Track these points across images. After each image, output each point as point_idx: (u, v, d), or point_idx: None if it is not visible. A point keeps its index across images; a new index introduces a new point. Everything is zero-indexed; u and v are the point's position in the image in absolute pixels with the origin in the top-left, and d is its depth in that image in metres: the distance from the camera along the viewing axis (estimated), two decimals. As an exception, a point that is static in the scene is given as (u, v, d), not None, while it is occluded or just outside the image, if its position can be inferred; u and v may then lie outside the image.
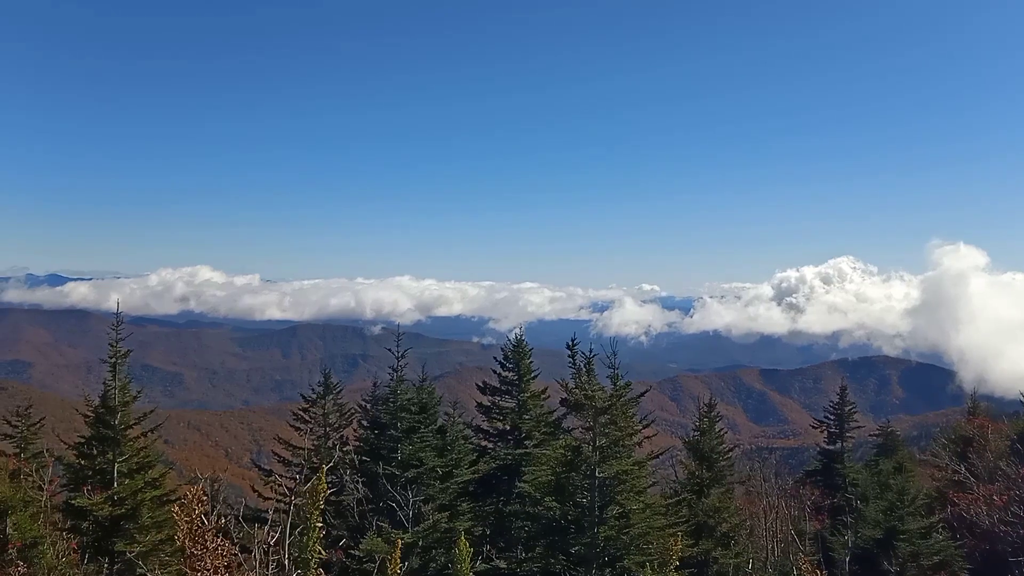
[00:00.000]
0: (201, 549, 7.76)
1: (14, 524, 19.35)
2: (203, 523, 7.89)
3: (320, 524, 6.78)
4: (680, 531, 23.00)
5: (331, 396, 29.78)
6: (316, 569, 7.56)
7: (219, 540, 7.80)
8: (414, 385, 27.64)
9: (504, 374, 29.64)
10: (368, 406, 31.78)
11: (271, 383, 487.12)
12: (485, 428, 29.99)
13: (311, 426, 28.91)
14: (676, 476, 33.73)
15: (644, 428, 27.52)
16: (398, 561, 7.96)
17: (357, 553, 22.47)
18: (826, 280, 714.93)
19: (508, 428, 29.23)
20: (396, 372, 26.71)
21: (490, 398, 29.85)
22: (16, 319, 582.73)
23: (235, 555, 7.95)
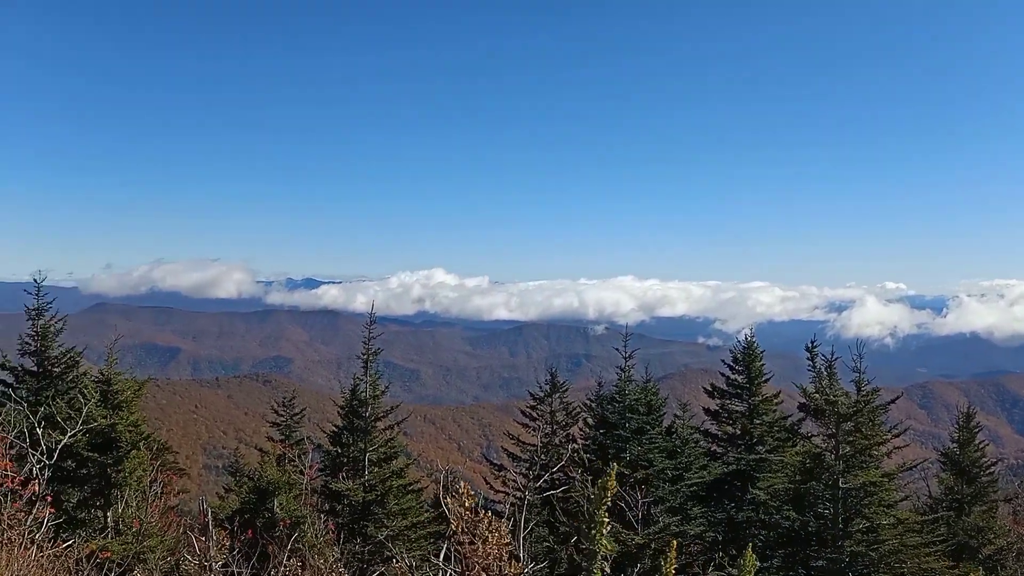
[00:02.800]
0: (474, 539, 8.14)
1: (280, 504, 21.58)
2: (476, 514, 8.26)
3: (607, 519, 6.87)
4: (937, 551, 20.98)
5: (558, 394, 30.28)
6: (601, 562, 7.66)
7: (494, 530, 8.14)
8: (639, 386, 27.47)
9: (733, 377, 28.70)
10: (593, 405, 32.00)
11: (499, 380, 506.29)
12: (714, 432, 29.18)
13: (539, 423, 29.55)
14: (930, 491, 30.85)
15: (893, 437, 25.40)
16: (673, 561, 7.86)
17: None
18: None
19: (738, 432, 28.25)
20: (624, 372, 26.68)
21: (718, 401, 29.07)
22: (278, 319, 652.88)
23: (506, 545, 8.25)
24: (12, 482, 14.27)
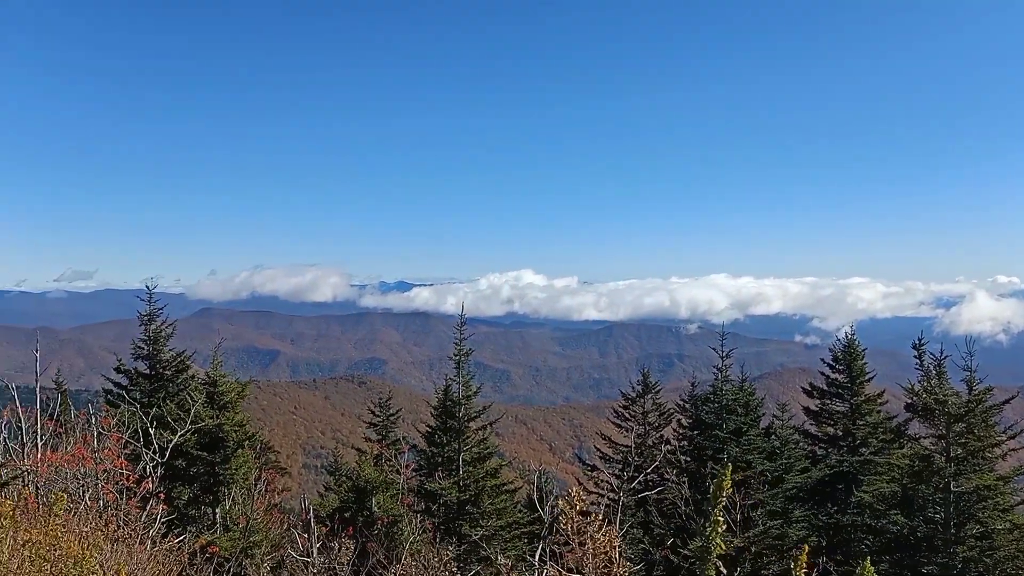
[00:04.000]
0: (584, 542, 8.07)
1: (378, 503, 22.02)
2: (585, 517, 8.18)
3: (721, 519, 6.69)
4: (1061, 560, 19.65)
5: (650, 395, 29.86)
6: (716, 561, 7.47)
7: (603, 533, 8.05)
8: (735, 385, 26.81)
9: (833, 376, 27.76)
10: (688, 406, 31.44)
11: (590, 381, 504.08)
12: (814, 433, 28.21)
13: (631, 424, 29.21)
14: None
15: (1009, 439, 23.98)
16: (803, 565, 7.61)
17: (685, 552, 22.26)
18: None
19: (840, 433, 27.25)
20: (720, 372, 26.10)
21: (818, 401, 28.14)
22: (372, 321, 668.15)
23: (614, 548, 8.13)
24: (128, 480, 15.04)
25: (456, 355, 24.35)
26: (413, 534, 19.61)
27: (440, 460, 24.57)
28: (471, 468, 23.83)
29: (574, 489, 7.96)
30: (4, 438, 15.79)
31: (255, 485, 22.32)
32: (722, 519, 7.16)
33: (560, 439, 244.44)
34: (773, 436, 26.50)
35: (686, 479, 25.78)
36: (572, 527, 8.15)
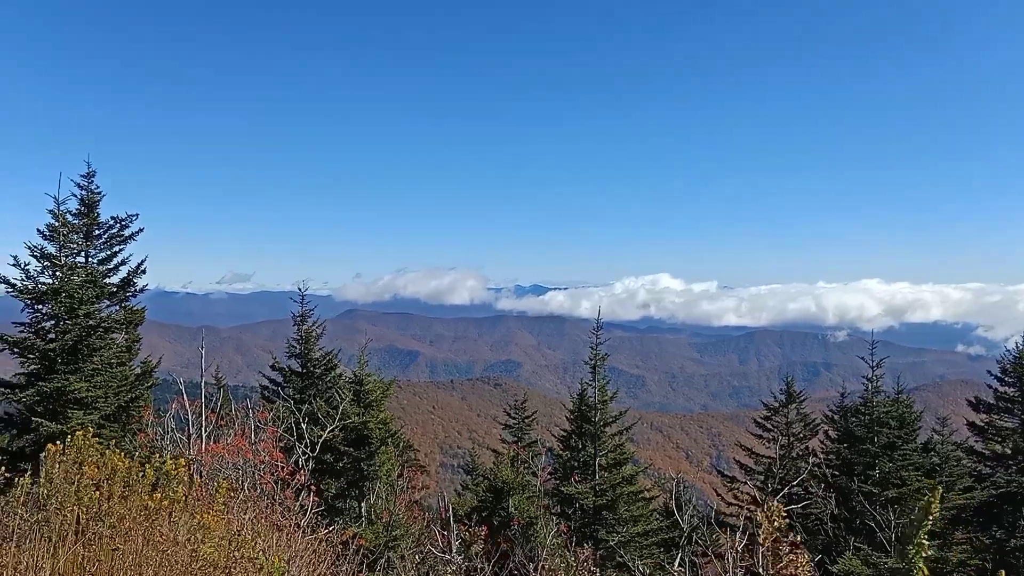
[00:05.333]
0: (777, 559, 7.83)
1: (515, 504, 22.21)
2: (781, 532, 7.92)
3: (926, 542, 6.31)
4: None
5: (794, 404, 28.68)
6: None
7: (797, 552, 7.77)
8: (889, 397, 25.32)
9: (1002, 389, 25.71)
10: (836, 417, 29.96)
11: (728, 388, 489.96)
12: (979, 450, 26.19)
13: (774, 434, 28.16)
14: None
15: None
16: None
17: (834, 571, 21.21)
18: None
19: (1009, 452, 25.16)
20: (871, 382, 24.72)
21: (984, 416, 26.13)
22: (508, 324, 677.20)
23: (810, 569, 7.79)
24: (282, 471, 15.90)
25: (592, 359, 24.26)
26: (549, 536, 19.67)
27: (576, 464, 24.54)
28: (607, 473, 23.67)
29: (773, 503, 7.67)
30: (172, 428, 17.07)
31: (397, 481, 23.07)
32: (927, 542, 6.70)
33: (697, 448, 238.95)
34: (932, 452, 24.84)
35: (833, 494, 24.58)
36: (768, 543, 7.84)
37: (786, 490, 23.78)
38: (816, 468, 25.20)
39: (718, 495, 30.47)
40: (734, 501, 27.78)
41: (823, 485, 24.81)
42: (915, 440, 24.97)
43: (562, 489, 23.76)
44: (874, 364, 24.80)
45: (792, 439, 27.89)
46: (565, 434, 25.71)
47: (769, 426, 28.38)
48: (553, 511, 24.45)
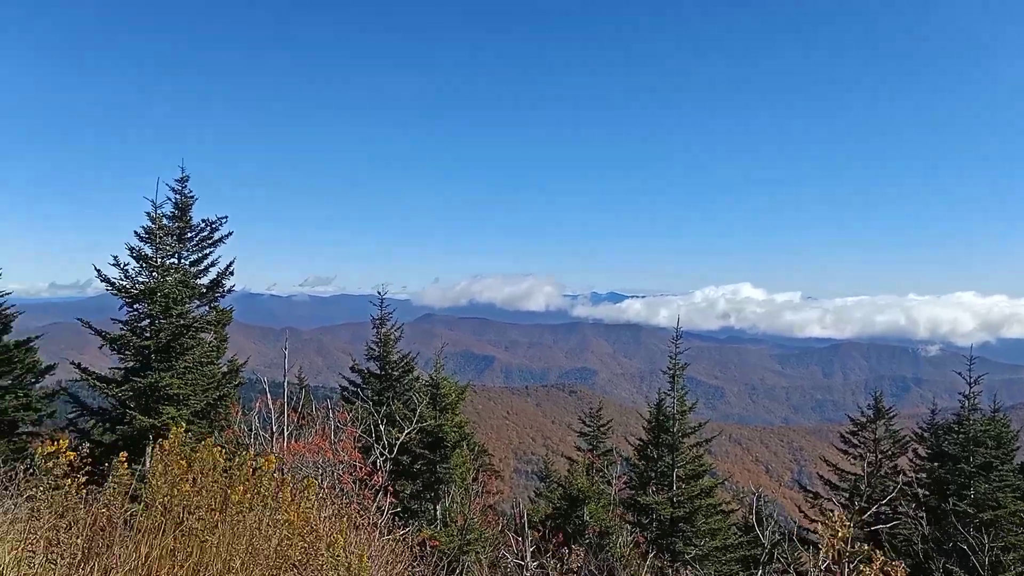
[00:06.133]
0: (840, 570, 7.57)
1: (590, 513, 22.04)
2: (844, 547, 7.65)
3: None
4: None
5: (883, 420, 27.61)
6: None
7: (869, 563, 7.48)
8: (985, 415, 24.14)
9: (1112, 410, 24.14)
10: (927, 435, 28.73)
11: (811, 402, 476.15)
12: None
13: (861, 451, 27.19)
14: None
15: None
16: None
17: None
18: None
19: (1119, 476, 23.64)
20: (967, 399, 23.63)
21: (1094, 438, 24.59)
22: (583, 332, 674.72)
23: None
24: (361, 472, 16.16)
25: (671, 369, 23.88)
26: (625, 546, 19.45)
27: (652, 474, 24.18)
28: (685, 485, 23.23)
29: (836, 512, 7.41)
30: (256, 426, 17.56)
31: (472, 485, 23.18)
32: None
33: (778, 462, 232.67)
34: (1033, 474, 23.57)
35: (923, 514, 23.56)
36: (832, 554, 7.57)
37: (874, 509, 22.90)
38: (906, 487, 24.19)
39: (800, 511, 29.57)
40: (817, 518, 26.89)
41: (913, 505, 23.80)
42: (1012, 461, 23.74)
43: (638, 499, 23.44)
44: (971, 380, 23.69)
45: (880, 456, 26.86)
46: (641, 444, 25.36)
47: (856, 442, 27.41)
48: (628, 521, 24.16)
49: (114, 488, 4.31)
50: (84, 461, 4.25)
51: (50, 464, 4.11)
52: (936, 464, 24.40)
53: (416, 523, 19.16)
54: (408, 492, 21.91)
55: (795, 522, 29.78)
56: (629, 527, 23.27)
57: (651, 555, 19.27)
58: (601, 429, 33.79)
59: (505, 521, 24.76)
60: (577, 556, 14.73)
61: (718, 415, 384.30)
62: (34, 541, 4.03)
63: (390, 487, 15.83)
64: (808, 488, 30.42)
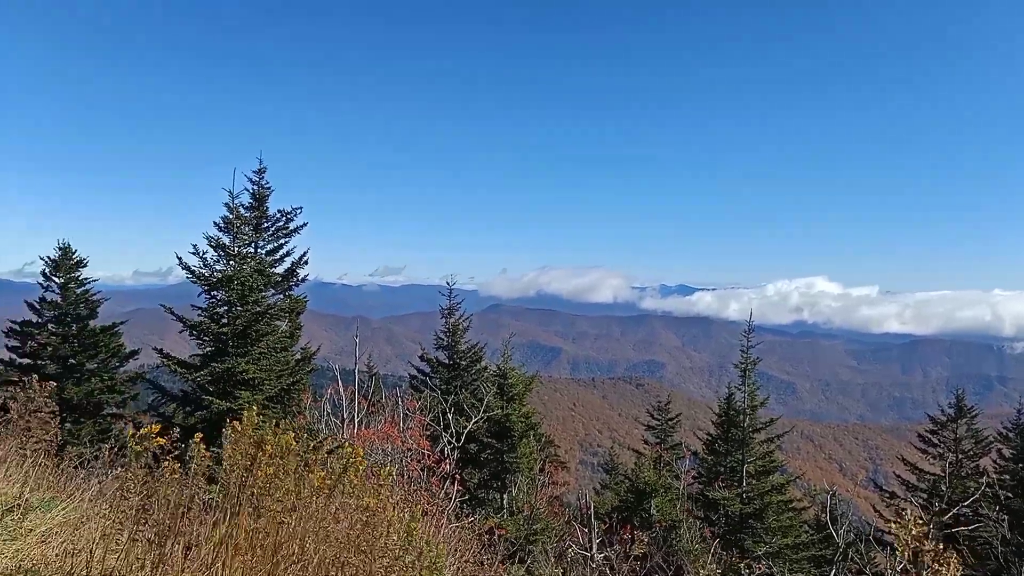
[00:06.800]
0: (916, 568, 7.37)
1: (657, 506, 21.90)
2: (920, 542, 7.44)
3: None
4: None
5: (965, 420, 26.63)
6: None
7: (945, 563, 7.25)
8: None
9: None
10: (1011, 435, 27.59)
11: (888, 399, 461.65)
12: None
13: (940, 451, 26.29)
14: None
15: None
16: None
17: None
18: None
19: None
20: (1056, 399, 22.62)
21: None
22: (652, 324, 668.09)
23: None
24: (428, 459, 16.40)
25: (743, 363, 23.51)
26: (693, 541, 19.26)
27: (721, 469, 23.88)
28: (755, 481, 22.87)
29: (910, 512, 7.19)
30: (328, 412, 17.98)
31: (538, 476, 23.27)
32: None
33: (852, 460, 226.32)
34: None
35: (1006, 517, 22.65)
36: (908, 553, 7.33)
37: (954, 511, 22.12)
38: (989, 488, 23.29)
39: (875, 511, 28.77)
40: (892, 518, 26.12)
41: (996, 507, 22.90)
42: (1106, 465, 22.64)
43: (706, 494, 23.19)
44: (1060, 380, 22.65)
45: (961, 456, 25.92)
46: (710, 438, 25.06)
47: (936, 441, 26.52)
48: (696, 516, 23.91)
49: (195, 469, 4.49)
50: (175, 445, 4.44)
51: (141, 448, 4.30)
52: (1021, 466, 23.43)
53: (483, 511, 19.36)
54: (475, 480, 22.15)
55: (870, 522, 28.98)
56: (697, 522, 23.03)
57: (719, 549, 19.04)
58: (669, 423, 33.49)
59: (571, 512, 24.80)
60: (640, 542, 14.65)
61: (789, 411, 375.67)
62: (121, 519, 4.23)
63: (458, 475, 16.01)
64: (884, 488, 29.55)
